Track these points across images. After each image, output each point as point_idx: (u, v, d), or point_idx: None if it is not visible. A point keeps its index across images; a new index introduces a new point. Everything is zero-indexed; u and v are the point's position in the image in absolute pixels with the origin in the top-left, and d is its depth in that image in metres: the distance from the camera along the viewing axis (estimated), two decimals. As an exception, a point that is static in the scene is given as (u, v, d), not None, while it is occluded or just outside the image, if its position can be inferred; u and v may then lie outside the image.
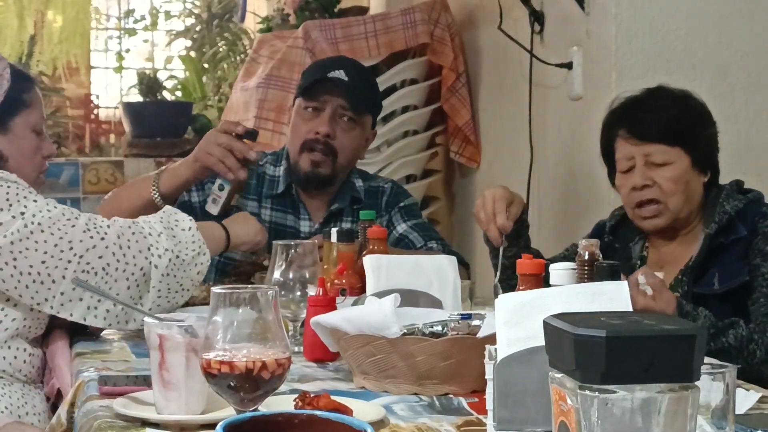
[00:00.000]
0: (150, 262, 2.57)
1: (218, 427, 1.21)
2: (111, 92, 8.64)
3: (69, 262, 2.49)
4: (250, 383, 1.55)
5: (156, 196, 3.15)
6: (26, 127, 2.78)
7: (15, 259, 2.48)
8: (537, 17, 3.98)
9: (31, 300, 2.51)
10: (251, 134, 3.19)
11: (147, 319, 1.92)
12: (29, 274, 2.48)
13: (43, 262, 2.48)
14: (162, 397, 1.84)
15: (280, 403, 1.77)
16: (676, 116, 2.87)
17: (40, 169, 2.85)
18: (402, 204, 3.48)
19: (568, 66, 3.74)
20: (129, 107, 6.98)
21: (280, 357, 1.57)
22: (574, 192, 3.77)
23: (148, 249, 2.58)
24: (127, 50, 8.59)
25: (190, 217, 2.72)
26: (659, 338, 1.12)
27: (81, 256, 2.49)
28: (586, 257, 1.99)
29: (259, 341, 1.58)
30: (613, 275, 1.88)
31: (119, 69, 8.51)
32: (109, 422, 1.84)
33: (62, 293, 2.50)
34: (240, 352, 1.56)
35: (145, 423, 1.83)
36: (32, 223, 2.49)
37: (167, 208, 2.77)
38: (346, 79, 3.32)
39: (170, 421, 1.83)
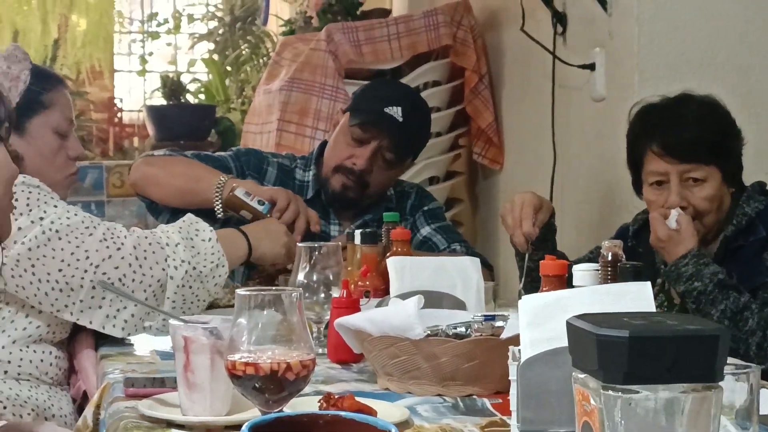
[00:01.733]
0: (166, 273, 2.57)
1: (244, 427, 1.22)
2: (134, 95, 8.67)
3: (85, 271, 2.49)
4: (274, 384, 1.56)
5: (218, 204, 3.13)
6: (45, 128, 2.77)
7: (33, 266, 2.48)
8: (559, 18, 3.98)
9: (51, 307, 2.52)
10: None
11: (172, 321, 1.93)
12: (47, 281, 2.48)
13: (60, 270, 2.48)
14: (187, 398, 1.85)
15: (304, 405, 1.78)
16: (709, 133, 2.85)
17: (64, 170, 2.84)
18: (426, 208, 3.49)
19: (591, 67, 3.73)
20: (152, 110, 7.00)
21: (305, 358, 1.58)
22: (597, 193, 3.77)
23: (165, 260, 2.58)
24: (150, 53, 8.62)
25: (211, 228, 2.71)
26: (682, 338, 1.12)
27: (97, 266, 2.50)
28: (610, 258, 1.99)
29: (284, 343, 1.58)
30: (636, 276, 1.88)
31: (142, 72, 8.55)
32: (135, 423, 1.85)
33: (81, 300, 2.51)
34: (264, 353, 1.57)
35: (171, 424, 1.84)
36: (50, 230, 2.49)
37: (188, 216, 2.75)
38: (400, 119, 3.30)
39: (195, 423, 1.84)
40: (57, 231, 2.49)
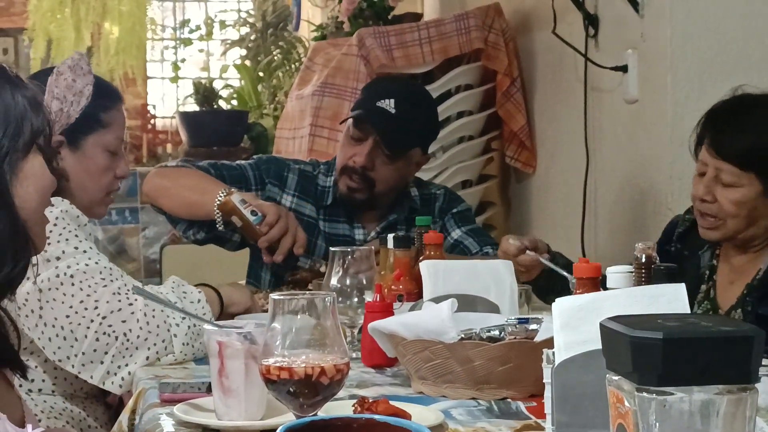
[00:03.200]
0: (171, 333, 2.45)
1: (278, 430, 1.22)
2: (167, 102, 8.71)
3: (92, 321, 2.39)
4: (309, 389, 1.56)
5: (218, 214, 3.10)
6: (98, 146, 2.70)
7: (41, 308, 2.39)
8: (591, 21, 3.97)
9: (53, 355, 2.42)
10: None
11: (207, 326, 1.94)
12: (53, 326, 2.40)
13: (67, 316, 2.39)
14: (222, 403, 1.86)
15: (339, 409, 1.78)
16: (760, 140, 2.73)
17: (108, 188, 2.76)
18: (455, 210, 3.47)
19: (623, 69, 3.72)
20: (185, 117, 7.03)
21: (339, 362, 1.58)
22: (630, 195, 3.76)
23: (167, 320, 2.45)
24: (183, 60, 8.66)
25: (199, 289, 2.61)
26: (716, 340, 1.11)
27: (104, 317, 2.39)
28: (643, 260, 1.98)
29: (318, 347, 1.59)
30: (670, 278, 1.87)
31: (175, 79, 8.58)
32: (170, 428, 1.86)
33: (84, 353, 2.40)
34: (299, 358, 1.58)
35: (206, 429, 1.85)
36: (65, 273, 2.40)
37: (175, 279, 2.62)
38: (393, 111, 3.27)
39: (230, 427, 1.85)
40: (72, 276, 2.40)
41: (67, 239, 2.44)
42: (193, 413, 1.90)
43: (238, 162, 3.47)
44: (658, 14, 3.52)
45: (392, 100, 3.27)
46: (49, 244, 2.35)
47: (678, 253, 2.94)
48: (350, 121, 3.34)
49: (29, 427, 1.73)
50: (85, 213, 2.58)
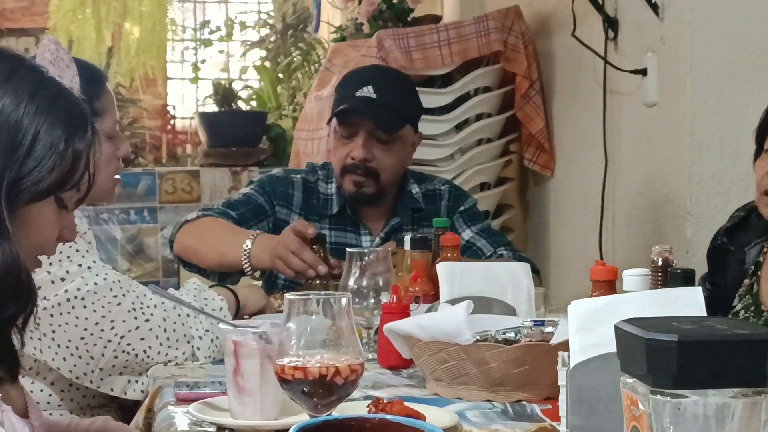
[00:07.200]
0: (192, 346, 2.47)
1: (292, 429, 1.22)
2: (187, 103, 8.73)
3: (109, 341, 2.39)
4: (323, 388, 1.57)
5: (247, 266, 3.10)
6: (101, 137, 2.63)
7: (54, 332, 2.37)
8: (611, 23, 3.96)
9: (69, 373, 2.41)
10: (320, 237, 3.03)
11: (222, 325, 1.95)
12: (67, 347, 2.38)
13: (82, 338, 2.38)
14: (237, 402, 1.87)
15: (353, 409, 1.78)
16: None
17: (115, 173, 2.68)
18: (462, 208, 3.44)
19: (643, 72, 3.71)
20: (205, 117, 7.04)
21: (353, 363, 1.58)
22: (649, 199, 3.75)
23: (191, 330, 2.48)
24: (203, 61, 8.67)
25: (221, 297, 2.63)
26: (732, 343, 1.11)
27: (122, 337, 2.40)
28: (660, 263, 1.98)
29: (333, 347, 1.59)
30: (686, 281, 1.87)
31: (195, 80, 8.60)
32: (185, 427, 1.86)
33: (101, 368, 2.41)
34: (313, 358, 1.58)
35: (221, 428, 1.85)
36: (75, 297, 2.36)
37: (196, 283, 2.64)
38: (374, 96, 3.26)
39: (245, 427, 1.85)
40: (83, 299, 2.37)
41: (69, 257, 2.38)
42: (208, 412, 1.90)
43: (245, 192, 3.40)
44: (677, 17, 3.51)
45: (370, 87, 3.27)
46: (50, 264, 2.32)
47: (723, 247, 2.90)
48: (335, 123, 3.32)
49: (32, 417, 1.74)
50: (97, 202, 2.53)
